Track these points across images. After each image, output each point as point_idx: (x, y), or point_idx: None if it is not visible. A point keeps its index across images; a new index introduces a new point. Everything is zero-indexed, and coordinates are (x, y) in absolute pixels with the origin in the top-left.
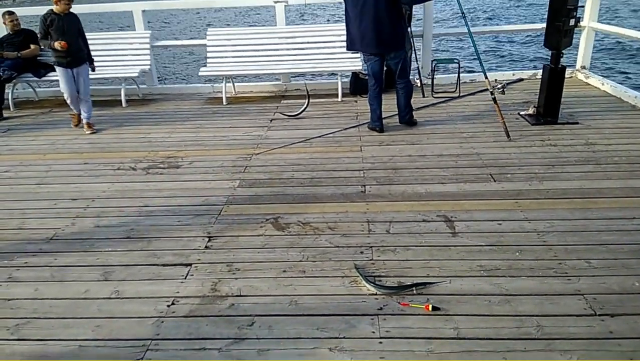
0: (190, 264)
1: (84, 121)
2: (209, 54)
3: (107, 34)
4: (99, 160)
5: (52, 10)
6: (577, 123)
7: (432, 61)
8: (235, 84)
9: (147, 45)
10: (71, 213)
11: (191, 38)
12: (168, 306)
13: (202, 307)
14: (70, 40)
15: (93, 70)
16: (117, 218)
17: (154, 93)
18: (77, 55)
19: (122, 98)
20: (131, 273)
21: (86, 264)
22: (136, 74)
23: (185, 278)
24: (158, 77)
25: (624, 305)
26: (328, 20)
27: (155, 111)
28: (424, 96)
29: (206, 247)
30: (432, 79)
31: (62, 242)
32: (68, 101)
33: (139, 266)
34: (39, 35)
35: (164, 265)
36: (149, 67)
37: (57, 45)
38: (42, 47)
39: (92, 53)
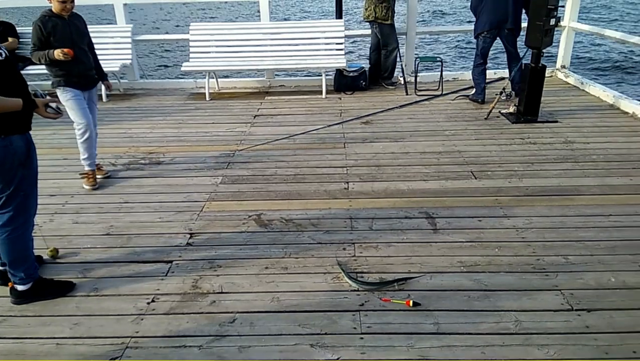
0: (171, 261)
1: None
2: (191, 49)
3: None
4: (78, 156)
5: (50, 11)
6: (556, 122)
7: (415, 59)
8: (219, 80)
9: (129, 39)
10: (49, 209)
11: (177, 32)
12: (148, 303)
13: (183, 304)
14: (82, 53)
15: (109, 88)
16: (96, 214)
17: (136, 88)
18: (92, 72)
19: (103, 93)
20: (110, 270)
21: (64, 261)
22: (117, 69)
23: (165, 275)
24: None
25: (600, 300)
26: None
27: (136, 106)
28: (407, 94)
29: (187, 244)
30: (415, 76)
31: (39, 239)
32: (84, 137)
33: (118, 263)
34: (31, 47)
35: (144, 262)
36: (130, 61)
37: (58, 54)
38: (39, 61)
39: None
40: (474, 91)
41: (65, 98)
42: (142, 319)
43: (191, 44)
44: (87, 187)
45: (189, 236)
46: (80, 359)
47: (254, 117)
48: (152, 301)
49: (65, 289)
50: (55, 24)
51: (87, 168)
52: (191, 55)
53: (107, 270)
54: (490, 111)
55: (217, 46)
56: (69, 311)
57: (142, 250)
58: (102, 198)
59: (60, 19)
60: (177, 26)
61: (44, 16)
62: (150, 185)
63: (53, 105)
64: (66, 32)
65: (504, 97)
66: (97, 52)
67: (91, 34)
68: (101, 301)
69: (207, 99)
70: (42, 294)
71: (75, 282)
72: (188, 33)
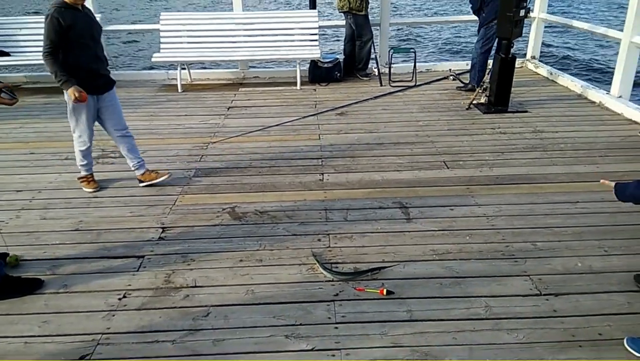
0: (142, 256)
1: (138, 172)
2: (162, 40)
3: None
4: (46, 150)
5: (63, 2)
6: (526, 112)
7: (389, 50)
8: (191, 71)
9: None
10: (16, 205)
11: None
12: (119, 299)
13: (155, 299)
14: (100, 49)
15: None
16: (64, 209)
17: None
18: (108, 72)
19: None
20: (80, 267)
21: (32, 258)
22: None
23: (137, 270)
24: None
25: (567, 285)
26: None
27: None
28: (381, 85)
29: (160, 238)
30: (390, 68)
31: (6, 236)
32: (83, 148)
33: (88, 259)
34: (47, 46)
35: (114, 257)
36: None
37: (72, 93)
38: (52, 73)
39: (36, 38)
40: (468, 80)
41: (75, 105)
42: (113, 315)
43: (162, 34)
44: (89, 190)
45: (161, 230)
46: (50, 357)
47: (228, 109)
48: (124, 296)
49: (33, 286)
50: (74, 17)
51: (83, 173)
52: (162, 45)
53: (76, 266)
54: (472, 103)
55: (188, 37)
56: (38, 309)
57: (112, 245)
58: (71, 192)
59: (75, 11)
60: (151, 11)
61: (59, 7)
62: (120, 179)
63: (7, 90)
64: (86, 25)
65: (482, 89)
66: None
67: None
68: (71, 298)
69: (180, 90)
70: (8, 292)
71: (44, 279)
72: (158, 23)
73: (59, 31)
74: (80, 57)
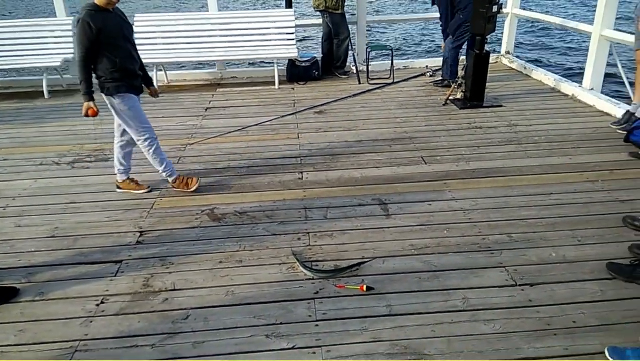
0: (120, 261)
1: (122, 178)
2: (137, 41)
3: (25, 20)
4: (19, 156)
5: (94, 4)
6: (501, 106)
7: (366, 47)
8: (168, 73)
9: (70, 33)
10: None
11: None
12: (97, 305)
13: (134, 304)
14: (134, 49)
15: (156, 94)
16: (40, 216)
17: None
18: (142, 74)
19: (44, 89)
20: (56, 273)
21: (6, 267)
22: (58, 63)
23: (115, 276)
24: None
25: (542, 275)
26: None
27: (80, 102)
28: (359, 82)
29: (137, 242)
30: (367, 65)
31: None
32: (154, 147)
33: (64, 266)
34: (80, 50)
35: (91, 263)
36: (72, 55)
37: (86, 108)
38: (80, 78)
39: (9, 42)
40: (440, 75)
41: (126, 107)
42: (91, 321)
43: (136, 35)
44: (193, 187)
45: (139, 234)
46: None
47: (206, 109)
48: (101, 302)
49: (7, 295)
50: (104, 18)
51: (172, 178)
52: (137, 47)
53: (52, 273)
54: (447, 98)
55: (164, 37)
56: (13, 318)
57: (89, 251)
58: (47, 198)
59: (106, 13)
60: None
61: (89, 10)
62: (97, 183)
63: None
64: (117, 25)
65: (457, 85)
66: (36, 46)
67: (29, 28)
68: (47, 305)
69: None
70: None
71: (19, 287)
72: (133, 24)
73: (90, 35)
74: (116, 58)
